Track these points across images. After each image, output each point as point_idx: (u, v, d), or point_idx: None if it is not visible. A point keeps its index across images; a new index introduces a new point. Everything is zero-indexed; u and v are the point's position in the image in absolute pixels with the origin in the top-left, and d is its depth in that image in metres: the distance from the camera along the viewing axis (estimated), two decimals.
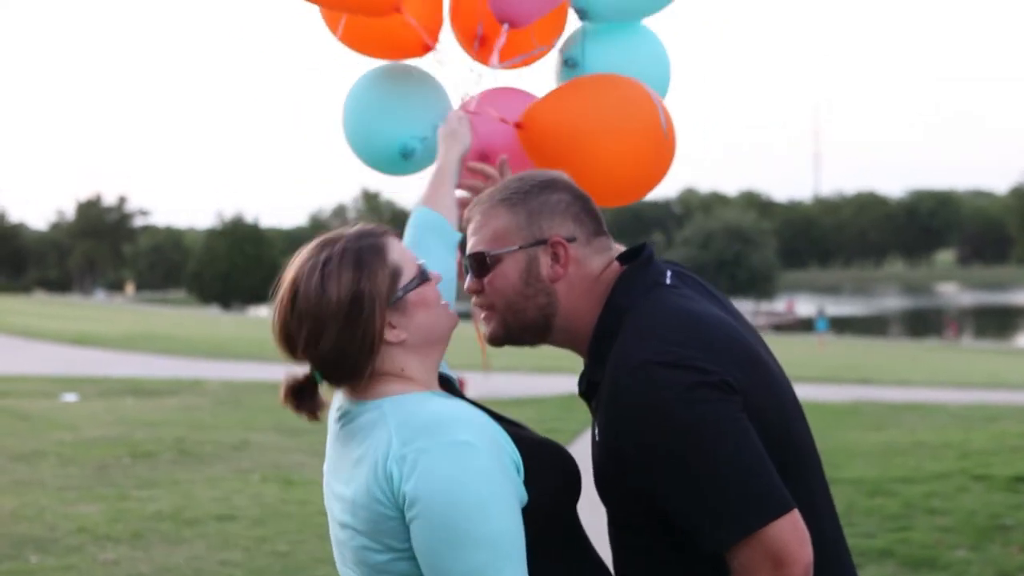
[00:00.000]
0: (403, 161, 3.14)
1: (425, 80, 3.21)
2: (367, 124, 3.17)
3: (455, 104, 3.13)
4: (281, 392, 2.08)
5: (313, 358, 2.04)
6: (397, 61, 3.21)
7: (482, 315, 2.29)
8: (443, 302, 2.14)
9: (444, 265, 2.58)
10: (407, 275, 2.07)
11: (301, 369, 2.08)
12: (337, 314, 2.00)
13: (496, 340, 2.28)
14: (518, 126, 3.03)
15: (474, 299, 2.29)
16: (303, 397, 2.07)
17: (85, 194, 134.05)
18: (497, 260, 2.22)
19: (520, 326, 2.24)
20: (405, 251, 2.12)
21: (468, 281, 2.27)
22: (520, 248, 2.21)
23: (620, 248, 2.31)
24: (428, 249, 2.55)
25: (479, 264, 2.24)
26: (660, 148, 2.96)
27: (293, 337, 2.04)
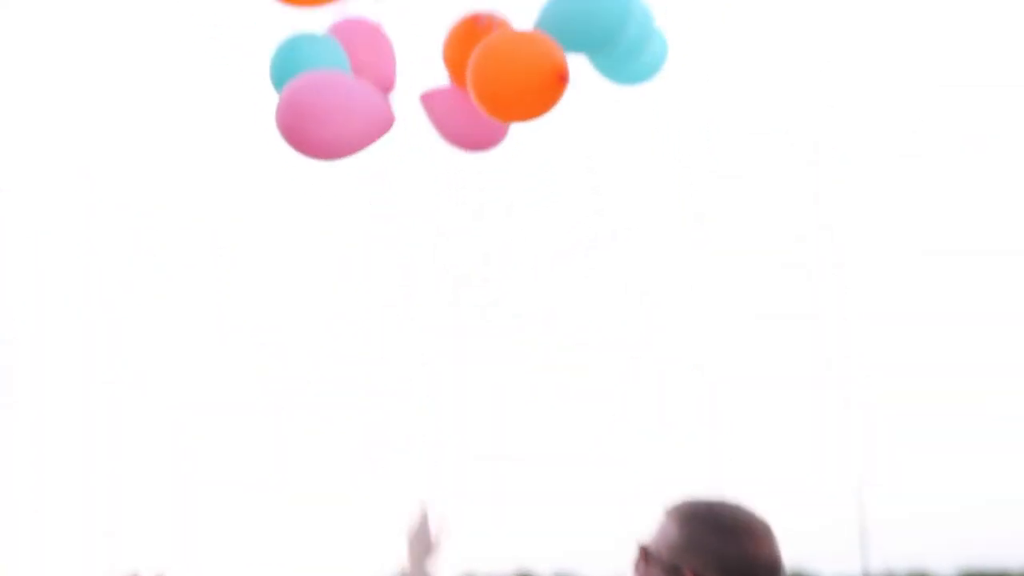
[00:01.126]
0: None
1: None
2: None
3: None
4: None
5: None
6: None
7: None
8: None
9: None
10: None
11: None
12: None
13: None
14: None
15: None
16: None
17: (122, 572, 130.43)
18: (645, 558, 2.37)
19: None
20: None
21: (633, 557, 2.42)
22: (660, 562, 2.34)
23: None
24: None
25: (637, 552, 2.39)
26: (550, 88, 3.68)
27: None
